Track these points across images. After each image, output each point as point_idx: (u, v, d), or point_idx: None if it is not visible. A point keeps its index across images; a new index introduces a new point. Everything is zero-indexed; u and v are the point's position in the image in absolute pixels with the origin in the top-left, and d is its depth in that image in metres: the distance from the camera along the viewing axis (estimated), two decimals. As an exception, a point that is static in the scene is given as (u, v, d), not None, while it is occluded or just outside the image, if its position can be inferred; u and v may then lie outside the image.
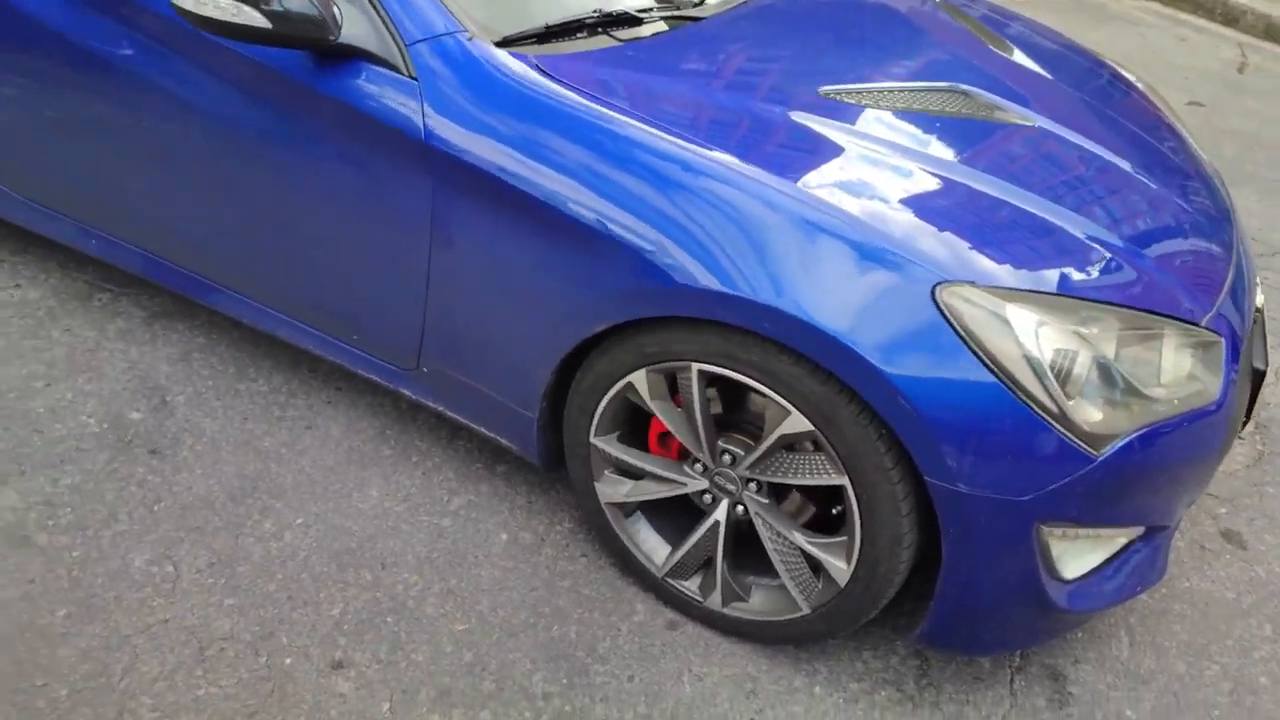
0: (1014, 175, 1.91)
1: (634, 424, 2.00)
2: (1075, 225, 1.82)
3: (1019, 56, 2.55)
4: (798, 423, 1.71)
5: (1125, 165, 2.11)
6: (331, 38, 1.85)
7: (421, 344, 2.10)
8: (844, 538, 1.78)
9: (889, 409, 1.60)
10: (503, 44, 1.93)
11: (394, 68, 1.90)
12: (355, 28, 1.89)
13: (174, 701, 1.80)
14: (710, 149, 1.76)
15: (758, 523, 1.89)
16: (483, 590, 2.08)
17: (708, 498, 1.94)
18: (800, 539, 1.84)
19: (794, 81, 2.08)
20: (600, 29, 2.08)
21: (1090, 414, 1.61)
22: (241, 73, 2.02)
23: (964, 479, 1.60)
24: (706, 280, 1.67)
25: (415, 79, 1.88)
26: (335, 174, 2.01)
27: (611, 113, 1.81)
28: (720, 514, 1.92)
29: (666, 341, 1.78)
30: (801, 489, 1.91)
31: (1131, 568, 1.85)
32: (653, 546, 2.05)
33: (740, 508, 1.91)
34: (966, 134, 2.04)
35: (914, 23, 2.60)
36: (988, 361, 1.57)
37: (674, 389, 1.87)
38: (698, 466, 1.92)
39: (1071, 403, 1.59)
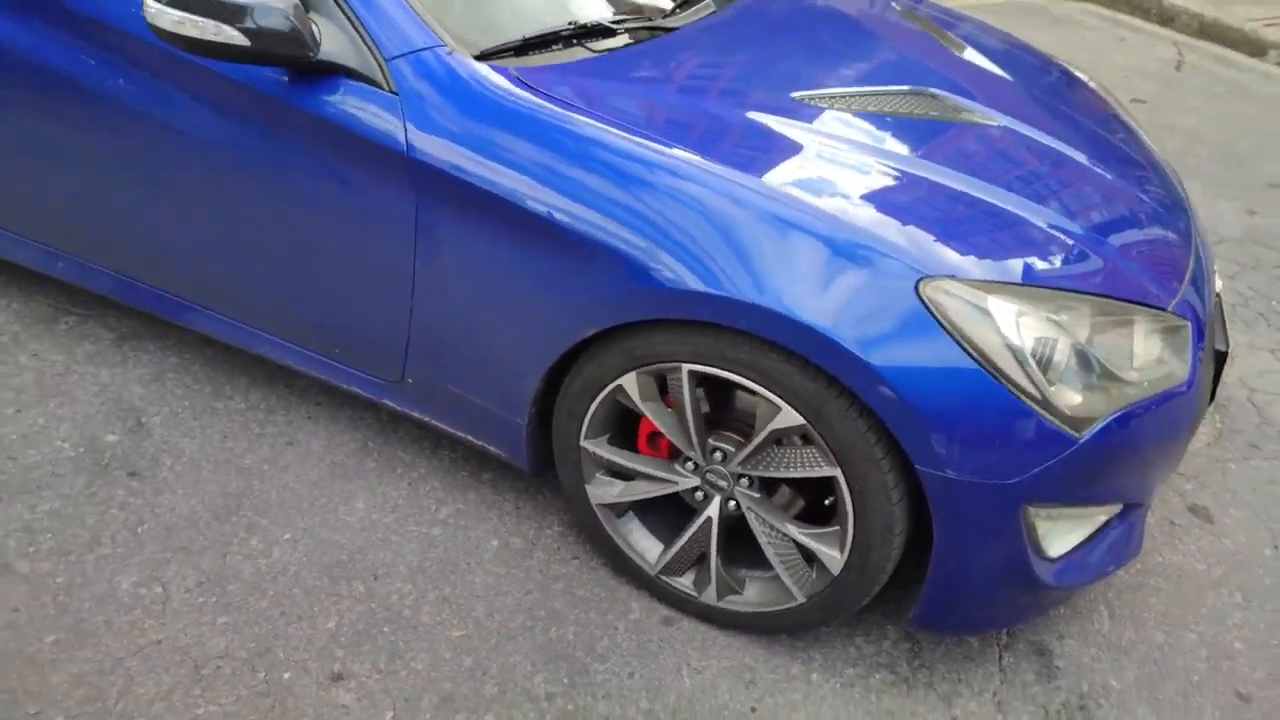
0: (982, 171, 1.97)
1: (623, 426, 2.02)
2: (1042, 217, 1.89)
3: (971, 55, 2.62)
4: (788, 418, 1.75)
5: (1083, 159, 2.19)
6: (310, 54, 1.86)
7: (406, 356, 2.11)
8: (836, 528, 1.82)
9: (877, 401, 1.65)
10: (481, 57, 1.95)
11: (374, 83, 1.91)
12: (334, 44, 1.89)
13: (174, 722, 1.79)
14: (695, 155, 1.79)
15: (750, 517, 1.92)
16: (477, 596, 2.09)
17: (699, 495, 1.97)
18: (794, 531, 1.88)
19: (769, 88, 2.12)
20: (576, 41, 2.11)
21: (1071, 398, 1.67)
22: (219, 92, 2.01)
23: (953, 466, 1.65)
24: (694, 283, 1.71)
25: (396, 94, 1.89)
26: (317, 189, 2.01)
27: (593, 123, 1.84)
28: (712, 510, 1.96)
29: (655, 344, 1.81)
30: (792, 482, 1.95)
31: (1109, 544, 1.92)
32: (645, 545, 2.08)
33: (732, 503, 1.94)
34: (934, 134, 2.10)
35: (877, 30, 2.68)
36: (972, 352, 1.63)
37: (664, 390, 1.90)
38: (689, 465, 1.95)
39: (1053, 388, 1.66)
